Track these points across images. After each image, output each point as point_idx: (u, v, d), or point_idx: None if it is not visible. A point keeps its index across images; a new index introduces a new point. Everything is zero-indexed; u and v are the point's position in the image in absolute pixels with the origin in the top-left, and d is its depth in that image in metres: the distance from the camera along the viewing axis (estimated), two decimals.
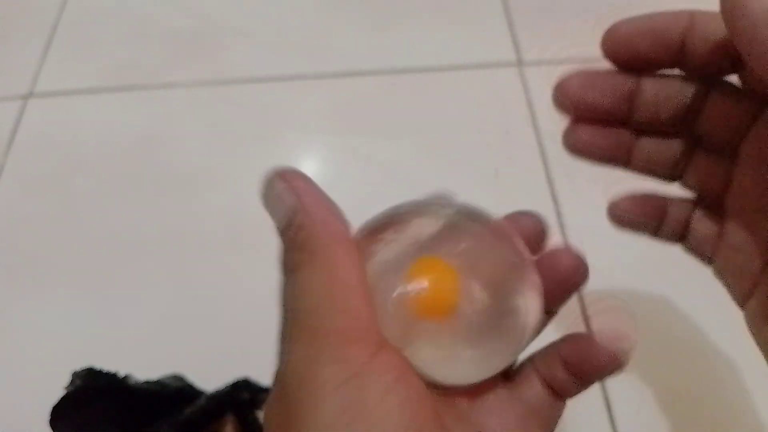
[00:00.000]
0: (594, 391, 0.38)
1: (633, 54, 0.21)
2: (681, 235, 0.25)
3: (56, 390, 0.32)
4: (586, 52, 0.54)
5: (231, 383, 0.35)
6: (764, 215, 0.22)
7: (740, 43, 0.18)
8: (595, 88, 0.22)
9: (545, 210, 0.26)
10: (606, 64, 0.22)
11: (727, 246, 0.23)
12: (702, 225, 0.24)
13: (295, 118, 0.52)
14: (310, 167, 0.50)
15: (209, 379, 0.36)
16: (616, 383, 0.38)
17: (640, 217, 0.25)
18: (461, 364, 0.20)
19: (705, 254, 0.24)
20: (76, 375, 0.33)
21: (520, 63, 0.54)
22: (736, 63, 0.21)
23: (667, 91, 0.22)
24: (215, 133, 0.52)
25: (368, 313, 0.18)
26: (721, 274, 0.24)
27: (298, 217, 0.18)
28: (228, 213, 0.47)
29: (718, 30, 0.20)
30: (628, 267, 0.41)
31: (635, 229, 0.25)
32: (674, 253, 0.25)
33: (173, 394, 0.35)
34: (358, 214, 0.21)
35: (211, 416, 0.35)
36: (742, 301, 0.23)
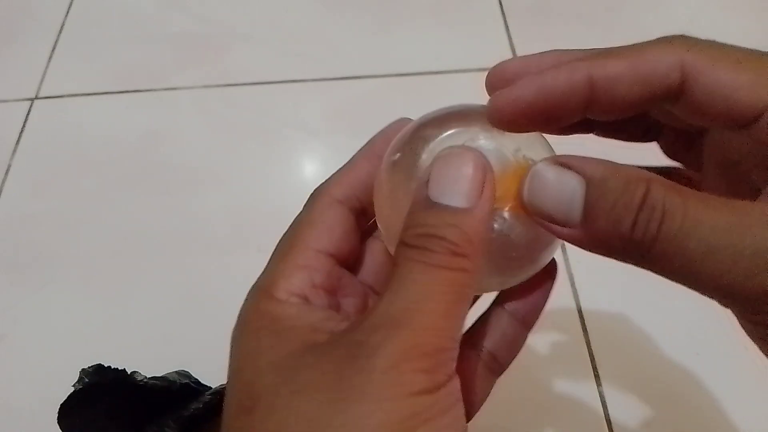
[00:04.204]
0: (591, 389, 0.39)
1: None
2: None
3: (64, 387, 0.32)
4: None
5: None
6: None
7: None
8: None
9: None
10: None
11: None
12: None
13: (295, 120, 0.53)
14: (310, 167, 0.51)
15: (214, 375, 0.37)
16: (613, 382, 0.39)
17: None
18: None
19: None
20: (84, 372, 0.33)
21: None
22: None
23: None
24: (219, 134, 0.52)
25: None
26: None
27: None
28: (232, 211, 0.47)
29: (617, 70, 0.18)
30: (625, 268, 0.42)
31: None
32: None
33: (179, 390, 0.35)
34: None
35: (215, 411, 0.35)
36: None
